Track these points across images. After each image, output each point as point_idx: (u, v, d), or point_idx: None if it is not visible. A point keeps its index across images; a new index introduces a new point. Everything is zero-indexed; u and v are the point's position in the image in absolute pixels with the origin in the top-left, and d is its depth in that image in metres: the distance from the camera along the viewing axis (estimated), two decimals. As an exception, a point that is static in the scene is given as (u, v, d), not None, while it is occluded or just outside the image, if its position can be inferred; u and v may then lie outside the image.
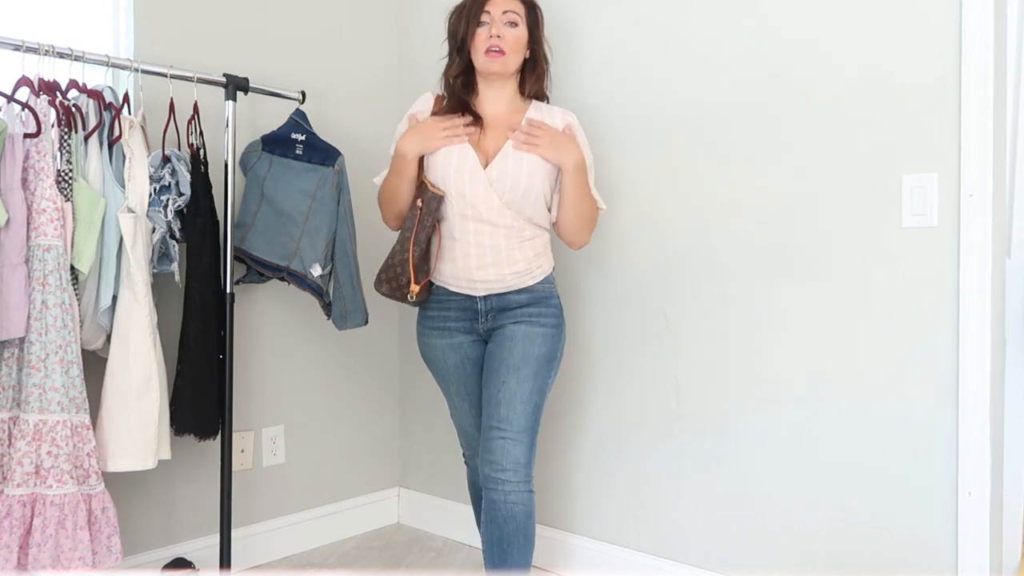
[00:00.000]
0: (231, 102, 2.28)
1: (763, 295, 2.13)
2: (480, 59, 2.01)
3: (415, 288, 1.98)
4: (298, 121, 2.46)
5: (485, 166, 1.98)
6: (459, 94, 2.05)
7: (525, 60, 2.06)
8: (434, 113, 2.06)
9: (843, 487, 2.00)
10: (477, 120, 2.02)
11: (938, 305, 1.86)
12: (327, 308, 2.46)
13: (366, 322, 2.52)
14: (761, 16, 2.11)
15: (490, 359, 2.00)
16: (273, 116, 2.53)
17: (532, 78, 2.09)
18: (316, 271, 2.39)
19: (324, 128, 2.60)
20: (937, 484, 1.87)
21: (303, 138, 2.45)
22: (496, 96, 2.06)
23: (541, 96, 2.12)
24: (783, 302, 2.09)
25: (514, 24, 2.00)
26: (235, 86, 2.28)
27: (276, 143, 2.45)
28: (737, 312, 2.17)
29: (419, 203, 1.99)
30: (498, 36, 1.98)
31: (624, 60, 2.37)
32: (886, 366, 1.93)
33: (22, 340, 1.85)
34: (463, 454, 2.23)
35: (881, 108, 1.93)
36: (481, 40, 1.99)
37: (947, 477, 1.85)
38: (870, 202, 1.95)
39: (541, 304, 2.01)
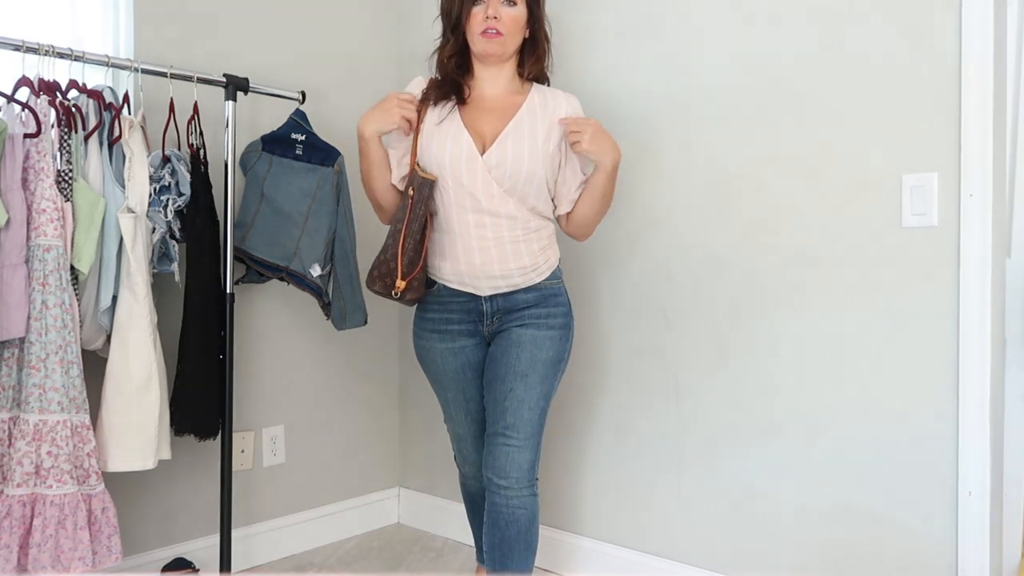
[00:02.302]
0: (231, 102, 2.27)
1: (762, 294, 2.13)
2: (476, 40, 1.89)
3: (400, 284, 1.88)
4: (298, 121, 2.46)
5: (483, 152, 1.87)
6: (453, 76, 1.94)
7: (524, 40, 1.95)
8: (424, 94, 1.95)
9: (843, 487, 2.00)
10: (461, 102, 1.92)
11: (938, 305, 1.86)
12: (326, 308, 2.47)
13: (365, 322, 2.52)
14: (761, 16, 2.11)
15: (494, 364, 1.92)
16: (273, 116, 2.53)
17: (532, 60, 1.97)
18: (316, 271, 2.39)
19: (324, 128, 2.60)
20: (937, 484, 1.87)
21: (303, 138, 2.45)
22: (493, 77, 1.95)
23: (541, 78, 2.02)
24: (782, 301, 2.09)
25: (512, 3, 1.88)
26: (235, 86, 2.28)
27: (276, 143, 2.45)
28: (737, 311, 2.17)
29: (411, 191, 1.88)
30: (495, 17, 1.85)
31: (621, 61, 2.38)
32: (885, 366, 1.93)
33: (22, 340, 1.85)
34: (454, 457, 2.17)
35: (881, 108, 1.93)
36: (477, 20, 1.87)
37: (947, 477, 1.85)
38: (870, 202, 1.95)
39: (549, 303, 1.93)
